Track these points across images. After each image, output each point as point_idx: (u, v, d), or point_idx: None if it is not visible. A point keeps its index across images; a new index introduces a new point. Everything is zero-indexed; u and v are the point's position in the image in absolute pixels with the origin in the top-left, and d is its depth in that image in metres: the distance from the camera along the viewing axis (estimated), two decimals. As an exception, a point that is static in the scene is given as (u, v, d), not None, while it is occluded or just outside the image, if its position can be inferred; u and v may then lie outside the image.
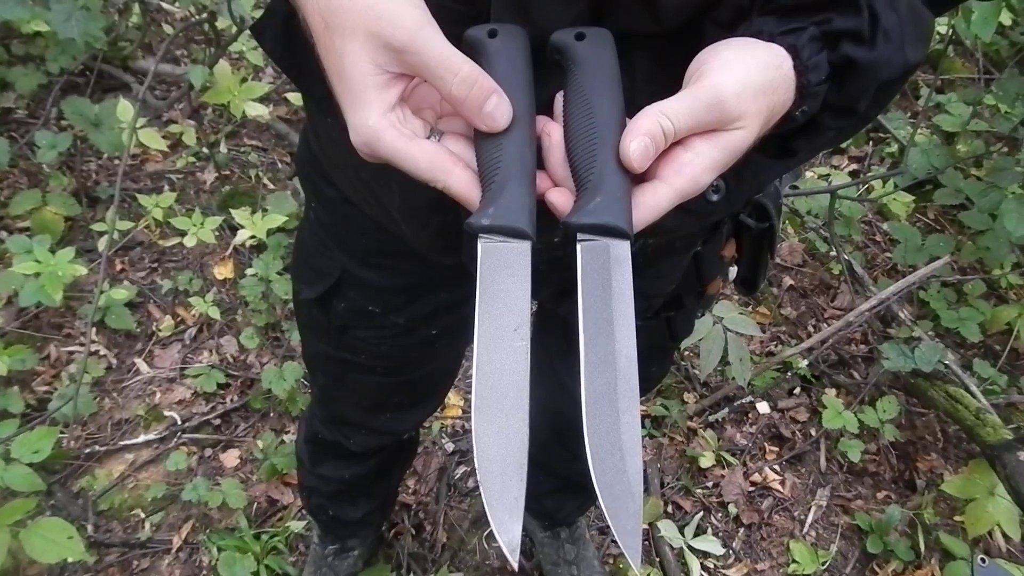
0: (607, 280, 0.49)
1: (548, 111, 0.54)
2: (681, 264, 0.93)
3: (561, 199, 0.51)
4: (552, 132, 0.52)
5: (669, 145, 0.50)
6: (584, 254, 0.49)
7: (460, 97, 0.49)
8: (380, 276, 0.91)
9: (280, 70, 0.78)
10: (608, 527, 1.82)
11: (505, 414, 0.46)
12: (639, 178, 0.50)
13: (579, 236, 0.49)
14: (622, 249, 0.49)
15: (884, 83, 0.52)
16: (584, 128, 0.51)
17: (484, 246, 0.49)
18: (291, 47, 0.71)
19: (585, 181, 0.50)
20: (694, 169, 0.49)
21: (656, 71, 0.58)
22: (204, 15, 2.12)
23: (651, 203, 0.49)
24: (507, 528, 0.43)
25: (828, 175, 2.48)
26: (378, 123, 0.49)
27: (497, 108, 0.50)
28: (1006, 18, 2.31)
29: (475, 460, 0.45)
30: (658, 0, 0.54)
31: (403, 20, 0.47)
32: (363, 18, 0.47)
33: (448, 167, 0.50)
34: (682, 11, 0.55)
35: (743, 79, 0.48)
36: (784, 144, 0.56)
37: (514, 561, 0.42)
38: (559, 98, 0.53)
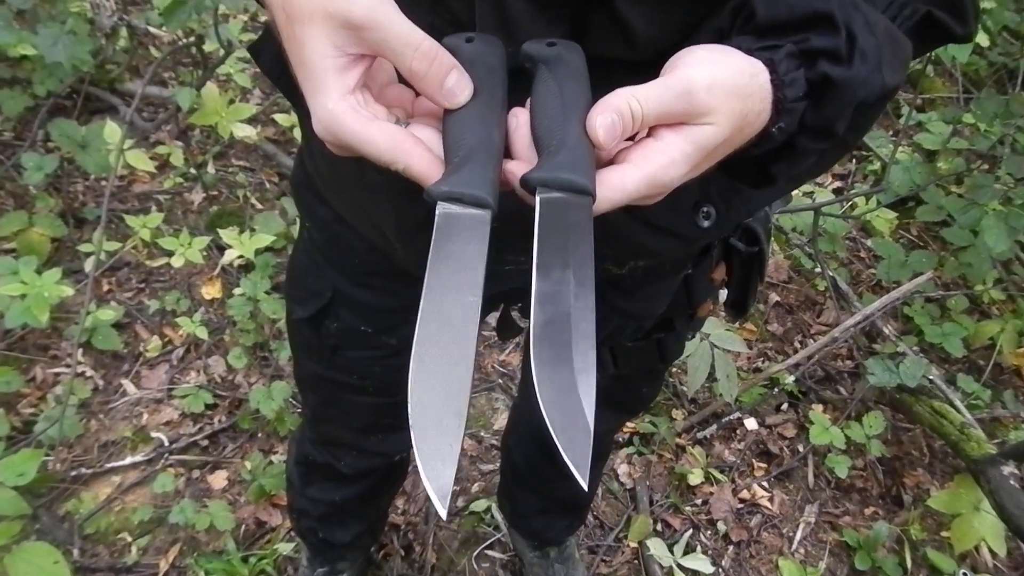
0: (565, 228, 0.47)
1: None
2: (671, 287, 0.94)
3: (519, 168, 0.50)
4: (519, 114, 0.52)
5: (639, 137, 0.50)
6: (542, 207, 0.47)
7: (420, 72, 0.49)
8: (372, 296, 0.92)
9: (277, 89, 0.79)
10: (597, 546, 1.83)
11: (447, 364, 0.43)
12: (606, 166, 0.50)
13: (538, 191, 0.47)
14: (583, 207, 0.47)
15: (862, 105, 0.52)
16: (551, 108, 0.51)
17: (442, 211, 0.47)
18: (287, 67, 0.72)
19: (547, 147, 0.49)
20: (664, 157, 0.49)
21: None
22: (192, 38, 2.13)
23: (616, 182, 0.48)
24: (438, 475, 0.41)
25: (812, 192, 2.51)
26: (336, 105, 0.48)
27: (458, 84, 0.50)
28: (984, 39, 2.35)
29: (409, 403, 0.42)
30: (631, 30, 0.55)
31: None
32: (320, 1, 0.48)
33: (409, 147, 0.49)
34: (655, 43, 0.56)
35: (715, 74, 0.49)
36: (763, 169, 0.56)
37: (443, 510, 0.40)
38: (530, 99, 0.54)
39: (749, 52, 0.51)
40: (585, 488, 0.40)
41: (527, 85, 0.54)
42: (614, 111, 0.48)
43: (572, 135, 0.49)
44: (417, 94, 0.54)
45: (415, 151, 0.49)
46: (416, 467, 1.52)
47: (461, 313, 0.45)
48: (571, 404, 0.42)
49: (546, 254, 0.46)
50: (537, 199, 0.47)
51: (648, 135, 0.50)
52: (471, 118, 0.51)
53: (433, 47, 0.49)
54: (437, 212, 0.47)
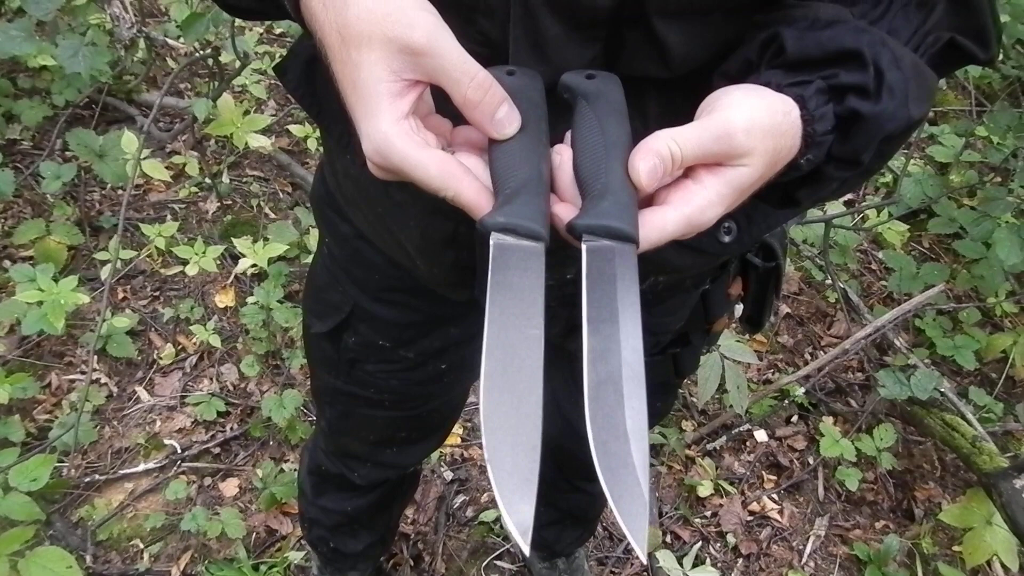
0: (612, 277, 0.48)
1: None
2: (689, 302, 0.95)
3: (566, 212, 0.51)
4: (562, 152, 0.53)
5: (677, 177, 0.51)
6: (589, 255, 0.48)
7: (475, 101, 0.50)
8: (391, 311, 0.93)
9: (300, 106, 0.80)
10: (607, 557, 1.82)
11: (517, 395, 0.44)
12: (645, 204, 0.51)
13: (584, 237, 0.48)
14: (628, 253, 0.48)
15: (887, 137, 0.53)
16: (593, 147, 0.51)
17: (496, 243, 0.48)
18: (312, 86, 0.73)
19: (592, 190, 0.50)
20: (702, 200, 0.50)
21: (668, 114, 0.60)
22: (208, 50, 2.16)
23: (658, 223, 0.49)
24: (517, 509, 0.41)
25: (823, 205, 2.51)
26: (390, 128, 0.49)
27: (508, 116, 0.51)
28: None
29: (483, 439, 0.42)
30: (667, 49, 0.56)
31: (420, 23, 0.48)
32: (380, 25, 0.48)
33: (459, 175, 0.49)
34: (690, 60, 0.57)
35: (753, 117, 0.50)
36: (788, 193, 0.57)
37: (525, 546, 0.40)
38: (569, 133, 0.55)
39: (779, 88, 0.52)
40: (643, 559, 0.40)
41: (564, 113, 0.55)
42: (656, 155, 0.49)
43: (616, 178, 0.49)
44: (455, 124, 0.54)
45: (465, 179, 0.49)
46: (425, 475, 1.51)
47: (525, 346, 0.45)
48: (626, 472, 0.43)
49: (595, 307, 0.47)
50: (584, 247, 0.48)
51: (685, 175, 0.51)
52: (519, 151, 0.51)
53: (488, 78, 0.50)
54: (492, 243, 0.48)
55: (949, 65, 0.60)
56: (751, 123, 0.49)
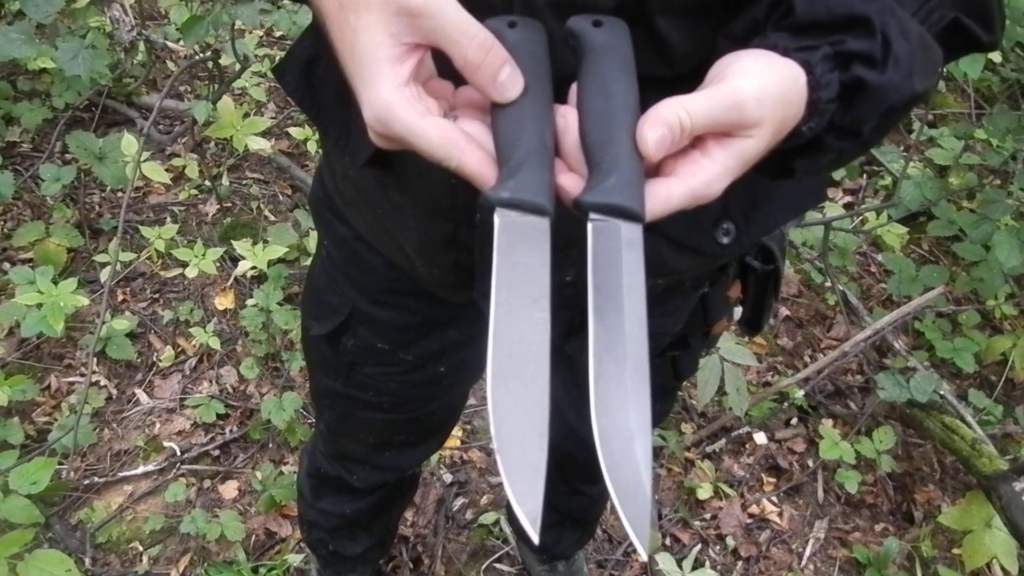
0: (618, 261, 0.47)
1: (563, 101, 0.54)
2: (688, 304, 0.94)
3: (571, 183, 0.50)
4: (567, 114, 0.51)
5: (685, 147, 0.50)
6: (595, 234, 0.47)
7: (476, 62, 0.48)
8: (390, 314, 0.93)
9: (299, 108, 0.80)
10: (606, 560, 1.82)
11: (524, 382, 0.43)
12: (651, 174, 0.50)
13: (591, 216, 0.47)
14: (634, 232, 0.47)
15: (890, 108, 0.53)
16: (599, 111, 0.50)
17: (502, 219, 0.47)
18: (310, 88, 0.73)
19: (599, 163, 0.48)
20: (709, 173, 0.49)
21: None
22: (208, 53, 2.16)
23: (663, 195, 0.48)
24: (526, 499, 0.41)
25: (823, 207, 2.50)
26: (391, 96, 0.48)
27: (510, 78, 0.50)
28: (996, 55, 2.35)
29: (491, 427, 0.42)
30: (670, 47, 0.56)
31: None
32: None
33: (462, 144, 0.48)
34: (692, 59, 0.57)
35: (764, 86, 0.48)
36: (785, 163, 0.56)
37: (535, 534, 0.40)
38: (574, 86, 0.53)
39: (786, 52, 0.51)
40: (644, 556, 0.40)
41: (569, 62, 0.53)
42: (664, 124, 0.48)
43: (623, 150, 0.48)
44: (456, 85, 0.53)
45: (468, 149, 0.48)
46: (424, 478, 1.51)
47: (532, 331, 0.45)
48: (630, 469, 0.43)
49: (601, 294, 0.46)
50: (590, 226, 0.47)
51: (692, 144, 0.50)
52: (522, 116, 0.50)
53: (489, 38, 0.49)
54: (497, 220, 0.47)
55: (952, 49, 0.59)
56: (762, 92, 0.48)
